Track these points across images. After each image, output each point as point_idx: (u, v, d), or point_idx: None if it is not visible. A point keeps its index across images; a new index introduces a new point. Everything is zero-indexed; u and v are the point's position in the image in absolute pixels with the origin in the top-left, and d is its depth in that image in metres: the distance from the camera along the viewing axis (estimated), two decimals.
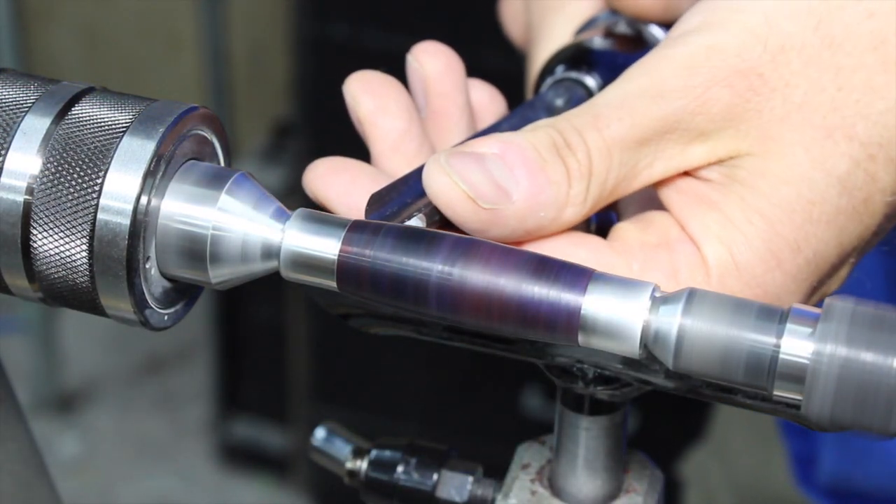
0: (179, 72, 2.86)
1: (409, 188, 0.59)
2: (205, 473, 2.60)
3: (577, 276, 0.52)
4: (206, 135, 0.56)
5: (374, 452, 0.66)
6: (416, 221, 0.57)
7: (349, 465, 0.66)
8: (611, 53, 0.68)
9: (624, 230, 0.59)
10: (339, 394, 2.34)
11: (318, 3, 2.09)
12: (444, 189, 0.56)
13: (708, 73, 0.57)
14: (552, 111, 0.66)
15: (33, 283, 0.54)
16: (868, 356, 0.48)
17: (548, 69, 0.68)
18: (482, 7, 2.01)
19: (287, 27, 2.19)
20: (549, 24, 0.72)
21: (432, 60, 0.66)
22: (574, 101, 0.66)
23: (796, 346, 0.49)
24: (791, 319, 0.49)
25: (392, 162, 0.63)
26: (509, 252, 0.53)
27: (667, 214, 0.59)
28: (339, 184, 0.61)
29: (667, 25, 0.69)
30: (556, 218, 0.57)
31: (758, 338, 0.50)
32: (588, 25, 0.71)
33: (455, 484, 0.64)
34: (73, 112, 0.54)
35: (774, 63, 0.57)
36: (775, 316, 0.50)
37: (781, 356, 0.49)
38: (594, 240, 0.58)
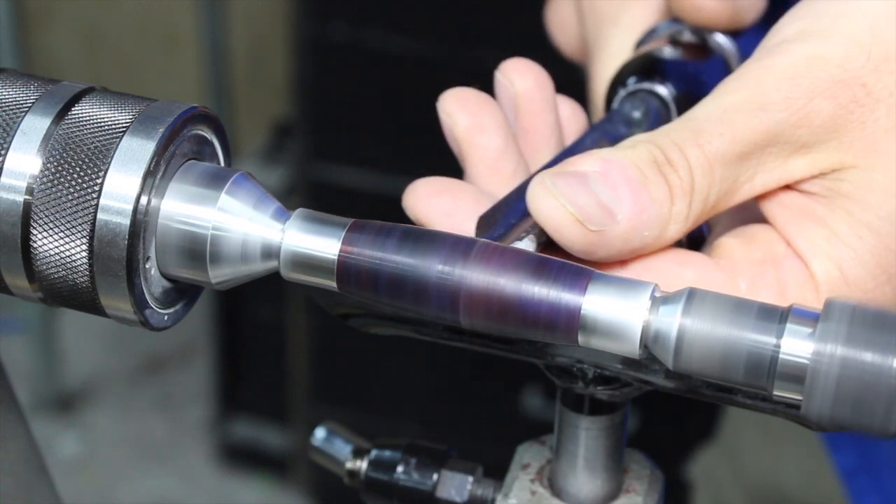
0: (179, 72, 2.86)
1: (511, 209, 0.59)
2: (205, 473, 2.60)
3: (577, 276, 0.52)
4: (206, 135, 0.56)
5: (374, 452, 0.66)
6: (527, 243, 0.57)
7: (349, 465, 0.66)
8: (681, 63, 0.67)
9: (728, 246, 0.59)
10: (339, 394, 2.34)
11: (318, 3, 2.09)
12: (552, 212, 0.55)
13: (810, 84, 0.56)
14: (631, 123, 0.65)
15: (33, 283, 0.54)
16: (868, 356, 0.48)
17: (618, 81, 0.67)
18: (483, 7, 2.01)
19: (287, 27, 2.19)
20: (606, 36, 0.71)
21: (522, 78, 0.65)
22: (651, 113, 0.65)
23: (796, 346, 0.49)
24: (791, 319, 0.49)
25: (490, 181, 0.62)
26: (509, 252, 0.53)
27: (770, 229, 0.58)
28: (442, 205, 0.60)
29: (730, 33, 0.69)
30: (659, 236, 0.56)
31: (758, 338, 0.50)
32: (650, 36, 0.70)
33: (455, 484, 0.64)
34: (73, 112, 0.54)
35: (878, 73, 0.56)
36: (775, 316, 0.50)
37: (781, 356, 0.49)
38: (699, 258, 0.57)
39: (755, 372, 0.50)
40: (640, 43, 0.70)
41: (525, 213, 0.57)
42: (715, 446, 1.23)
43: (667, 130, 0.57)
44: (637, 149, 0.56)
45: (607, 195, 0.55)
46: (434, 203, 0.61)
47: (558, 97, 0.67)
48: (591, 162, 0.56)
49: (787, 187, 0.58)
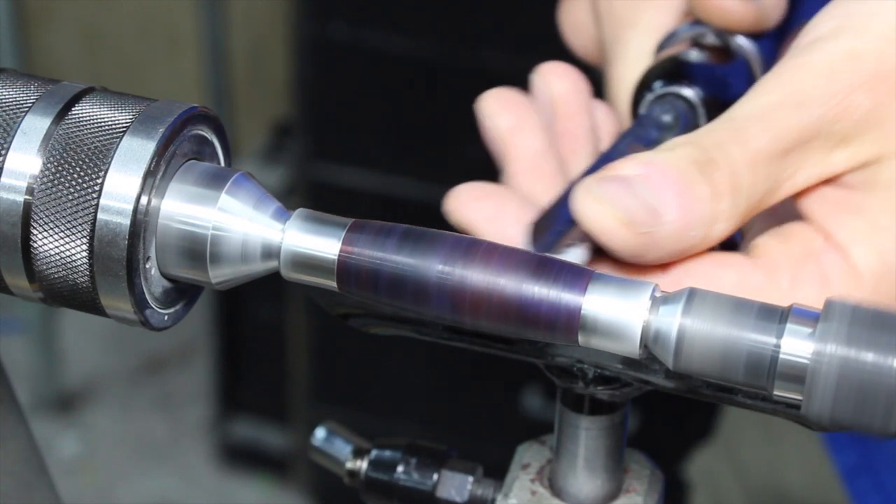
0: (179, 72, 2.86)
1: (558, 217, 0.59)
2: (205, 473, 2.60)
3: (577, 275, 0.52)
4: (206, 135, 0.56)
5: (374, 452, 0.66)
6: (579, 252, 0.57)
7: (349, 465, 0.66)
8: (708, 66, 0.68)
9: (765, 246, 0.58)
10: (339, 394, 2.34)
11: (318, 3, 2.09)
12: (598, 217, 0.55)
13: (848, 78, 0.57)
14: (662, 127, 0.65)
15: (33, 283, 0.54)
16: (868, 356, 0.48)
17: (645, 85, 0.68)
18: (483, 7, 2.01)
19: (287, 27, 2.19)
20: (624, 39, 0.71)
21: (560, 81, 0.65)
22: (681, 116, 0.65)
23: (796, 346, 0.49)
24: (791, 319, 0.49)
25: (531, 182, 0.62)
26: (509, 252, 0.53)
27: (806, 225, 0.59)
28: (485, 210, 0.60)
29: (752, 35, 0.69)
30: (705, 236, 0.56)
31: (758, 338, 0.50)
32: (670, 39, 0.70)
33: (455, 484, 0.64)
34: (74, 112, 0.54)
35: None
36: (775, 316, 0.50)
37: (781, 356, 0.49)
38: (737, 259, 0.57)
39: (755, 372, 0.50)
40: (660, 46, 0.70)
41: (573, 221, 0.57)
42: (715, 445, 1.22)
43: (707, 131, 0.57)
44: (677, 151, 0.56)
45: (652, 198, 0.55)
46: (477, 207, 0.60)
47: (593, 101, 0.67)
48: (633, 166, 0.56)
49: (826, 181, 0.58)
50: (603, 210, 0.55)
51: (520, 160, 0.63)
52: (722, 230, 0.57)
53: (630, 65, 0.70)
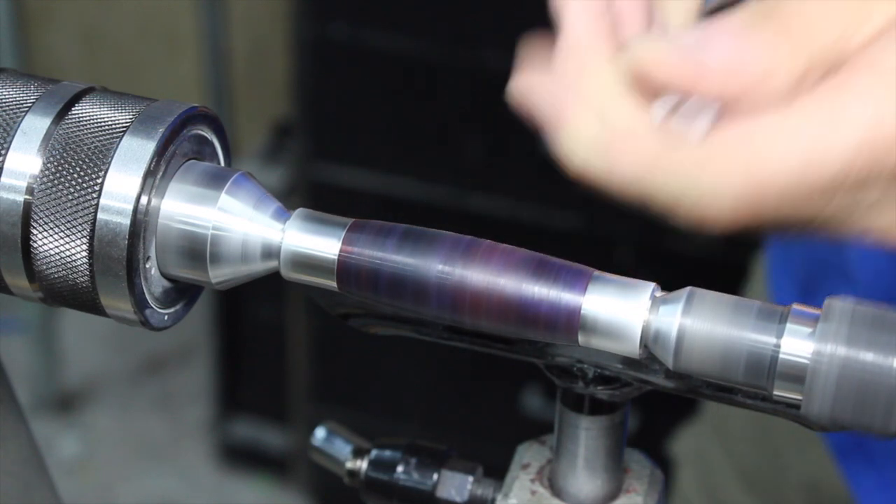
0: (179, 72, 2.87)
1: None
2: (205, 473, 2.60)
3: (577, 276, 0.52)
4: (206, 135, 0.56)
5: (374, 452, 0.66)
6: (709, 114, 0.57)
7: (349, 465, 0.66)
8: None
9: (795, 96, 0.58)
10: (339, 394, 2.34)
11: (318, 3, 2.09)
12: (645, 51, 0.55)
13: None
14: None
15: (33, 283, 0.54)
16: (868, 356, 0.48)
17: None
18: (483, 7, 2.01)
19: (287, 27, 2.19)
20: None
21: None
22: None
23: (796, 346, 0.49)
24: (791, 319, 0.49)
25: (584, 44, 0.62)
26: (509, 252, 0.53)
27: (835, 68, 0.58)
28: (538, 92, 0.61)
29: None
30: (764, 80, 0.55)
31: (758, 338, 0.50)
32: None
33: (455, 484, 0.64)
34: (74, 112, 0.54)
35: None
36: (775, 316, 0.50)
37: (781, 356, 0.49)
38: (772, 109, 0.56)
39: (755, 372, 0.50)
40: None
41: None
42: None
43: None
44: (738, 13, 0.56)
45: (703, 41, 0.55)
46: (532, 87, 0.61)
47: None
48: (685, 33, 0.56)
49: None
50: (649, 46, 0.55)
51: (577, 22, 0.62)
52: (784, 79, 0.55)
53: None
